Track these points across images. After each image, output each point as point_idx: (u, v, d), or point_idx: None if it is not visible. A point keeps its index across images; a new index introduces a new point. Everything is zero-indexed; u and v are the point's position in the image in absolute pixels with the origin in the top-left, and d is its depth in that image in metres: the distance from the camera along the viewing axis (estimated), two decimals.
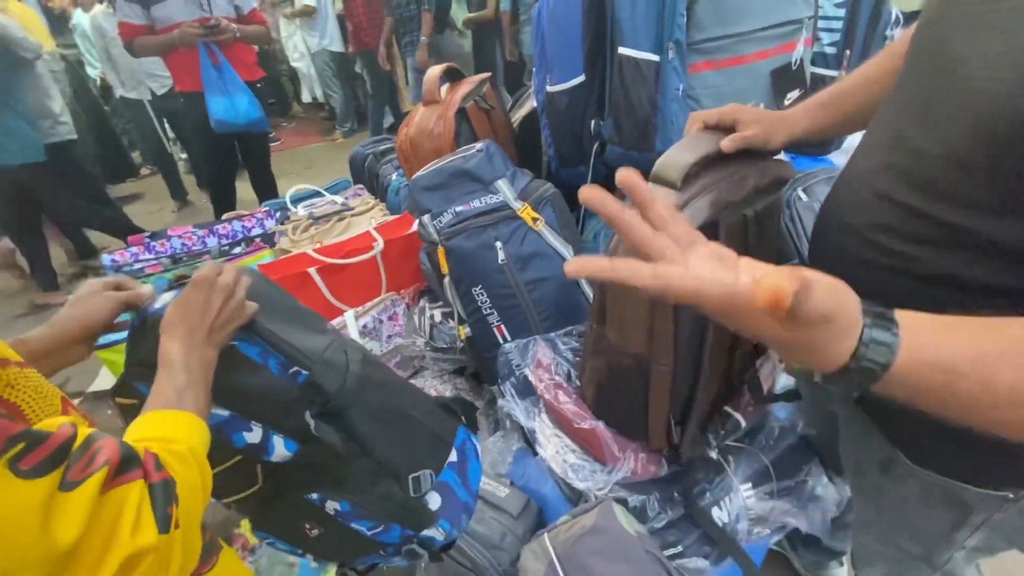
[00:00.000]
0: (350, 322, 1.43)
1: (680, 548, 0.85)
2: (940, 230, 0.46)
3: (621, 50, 0.99)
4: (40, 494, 0.35)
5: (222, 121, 2.27)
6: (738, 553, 0.84)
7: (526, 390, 1.01)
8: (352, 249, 1.50)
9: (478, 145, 1.14)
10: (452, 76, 1.35)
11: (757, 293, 0.29)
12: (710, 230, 0.65)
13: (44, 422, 0.39)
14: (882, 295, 0.37)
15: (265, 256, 1.67)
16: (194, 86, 2.27)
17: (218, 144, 2.44)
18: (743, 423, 0.90)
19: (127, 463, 0.40)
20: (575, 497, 0.93)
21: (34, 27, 3.63)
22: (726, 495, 0.87)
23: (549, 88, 1.18)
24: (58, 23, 4.31)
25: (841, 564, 1.15)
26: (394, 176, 1.96)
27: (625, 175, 0.37)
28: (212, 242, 1.76)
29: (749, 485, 0.90)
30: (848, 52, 1.22)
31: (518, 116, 1.52)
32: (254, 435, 0.57)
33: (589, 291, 1.14)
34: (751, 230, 0.68)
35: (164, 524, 0.40)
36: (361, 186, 2.13)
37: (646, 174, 0.63)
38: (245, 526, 1.14)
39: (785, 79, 1.02)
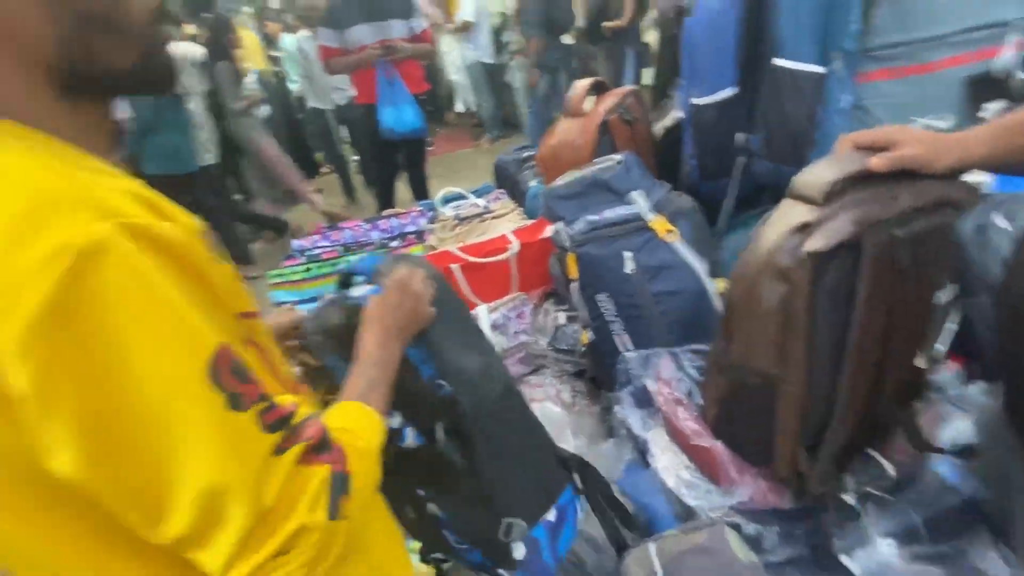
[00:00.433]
0: (483, 316, 1.55)
1: None
2: None
3: (777, 61, 0.95)
4: (267, 447, 0.40)
5: (391, 130, 2.59)
6: None
7: (644, 401, 1.02)
8: (490, 249, 1.62)
9: (617, 157, 1.17)
10: (598, 89, 1.40)
11: None
12: (852, 250, 0.61)
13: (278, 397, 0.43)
14: None
15: (416, 251, 1.88)
16: (370, 99, 2.63)
17: (384, 149, 2.79)
18: (891, 471, 0.80)
19: (322, 446, 0.43)
20: (685, 515, 0.91)
21: (253, 49, 4.48)
22: (861, 546, 0.79)
23: (696, 100, 1.17)
24: (271, 45, 5.24)
25: None
26: (533, 183, 2.06)
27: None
28: (375, 235, 2.02)
29: (892, 541, 0.80)
30: None
31: (661, 126, 1.51)
32: (395, 421, 0.63)
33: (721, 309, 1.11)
34: (902, 252, 0.62)
35: (334, 512, 0.42)
36: (503, 191, 2.27)
37: None
38: None
39: (983, 89, 0.89)
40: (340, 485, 0.43)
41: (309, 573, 0.40)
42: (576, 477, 0.75)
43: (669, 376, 0.96)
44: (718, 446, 0.82)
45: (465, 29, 5.19)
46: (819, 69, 0.92)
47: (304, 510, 0.40)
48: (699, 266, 1.09)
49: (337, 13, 2.61)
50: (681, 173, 1.37)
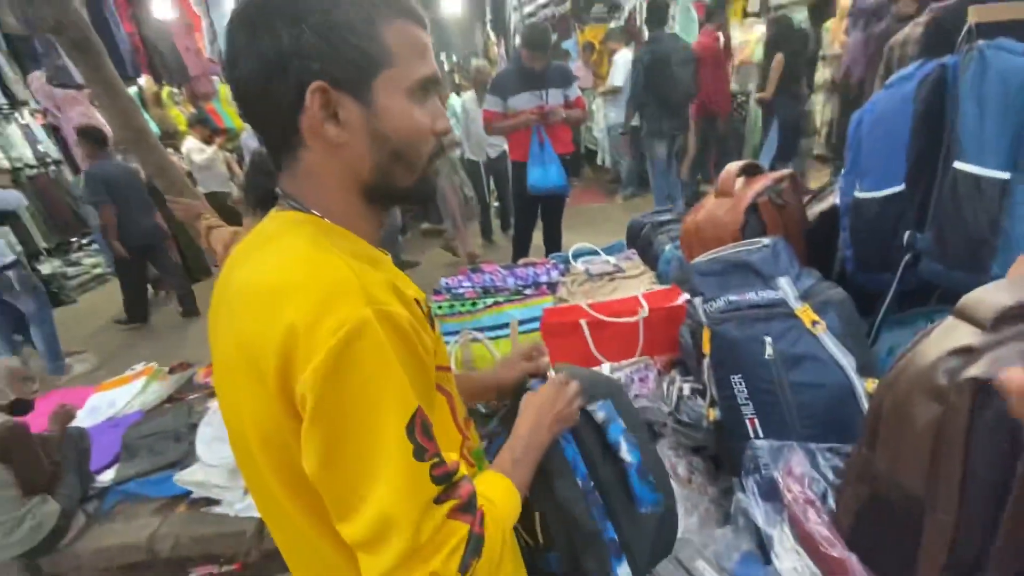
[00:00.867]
0: (606, 373, 1.60)
1: None
2: None
3: (958, 164, 0.91)
4: (431, 495, 0.50)
5: (535, 186, 2.83)
6: None
7: (770, 493, 0.98)
8: (619, 310, 1.68)
9: (765, 240, 1.18)
10: (749, 171, 1.42)
11: None
12: None
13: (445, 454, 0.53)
14: None
15: (547, 301, 2.00)
16: (522, 157, 2.90)
17: (527, 202, 3.04)
18: None
19: (469, 506, 0.52)
20: None
21: None
22: None
23: (858, 194, 1.14)
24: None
25: None
26: (668, 248, 2.09)
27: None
28: (511, 281, 2.19)
29: None
30: None
31: (816, 210, 1.48)
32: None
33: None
34: None
35: (464, 568, 0.49)
36: (634, 251, 2.33)
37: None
38: None
39: None
40: (476, 547, 0.51)
41: None
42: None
43: (801, 473, 0.92)
44: (852, 560, 0.78)
45: (613, 93, 5.45)
46: (1005, 175, 0.86)
47: (441, 559, 0.49)
48: (846, 361, 1.04)
49: (503, 82, 2.95)
50: (834, 262, 1.32)
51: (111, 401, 2.74)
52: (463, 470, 0.55)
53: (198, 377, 2.83)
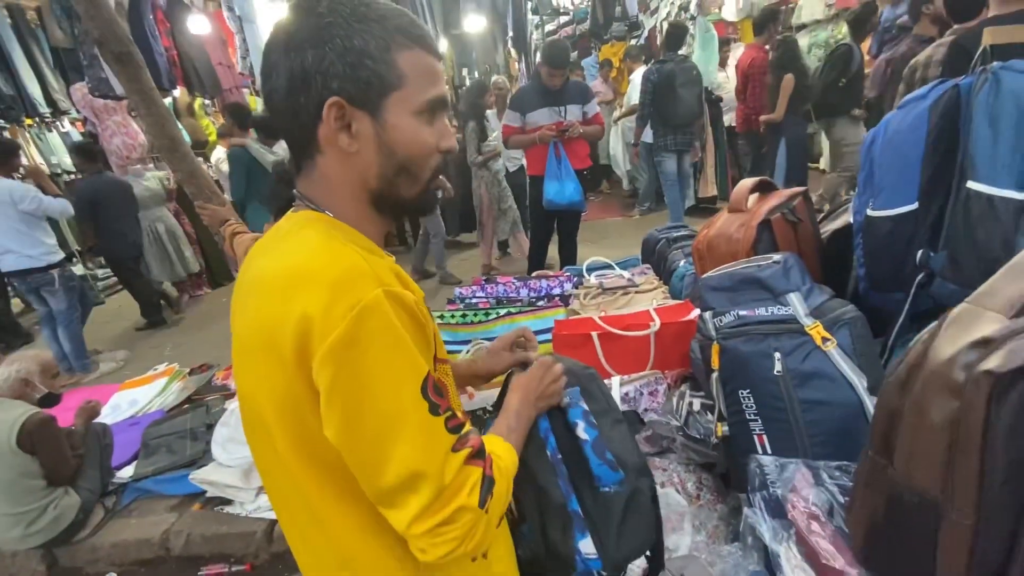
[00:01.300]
0: (615, 386, 1.60)
1: None
2: None
3: (971, 184, 0.91)
4: (449, 444, 0.57)
5: (551, 201, 2.86)
6: None
7: (778, 510, 0.97)
8: (631, 323, 1.68)
9: (776, 256, 1.18)
10: (763, 188, 1.43)
11: None
12: None
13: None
14: None
15: (559, 313, 2.02)
16: (539, 172, 2.93)
17: (544, 216, 3.06)
18: None
19: (480, 453, 0.60)
20: None
21: None
22: None
23: (871, 212, 1.14)
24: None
25: None
26: (681, 263, 2.09)
27: None
28: (524, 292, 2.22)
29: None
30: None
31: (830, 229, 1.47)
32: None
33: None
34: None
35: (482, 503, 0.57)
36: (648, 266, 2.33)
37: None
38: None
39: None
40: (488, 485, 0.59)
41: (458, 547, 0.56)
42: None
43: (806, 489, 0.92)
44: (853, 573, 0.77)
45: (630, 113, 5.49)
46: (1019, 196, 0.86)
47: (465, 495, 0.56)
48: (857, 380, 1.03)
49: (522, 98, 3.01)
50: (849, 281, 1.31)
51: (133, 400, 2.82)
52: (470, 426, 0.62)
53: (217, 378, 2.89)
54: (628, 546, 0.75)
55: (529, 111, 2.93)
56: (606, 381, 1.58)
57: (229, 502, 1.98)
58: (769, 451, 1.07)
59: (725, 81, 5.47)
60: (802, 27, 5.98)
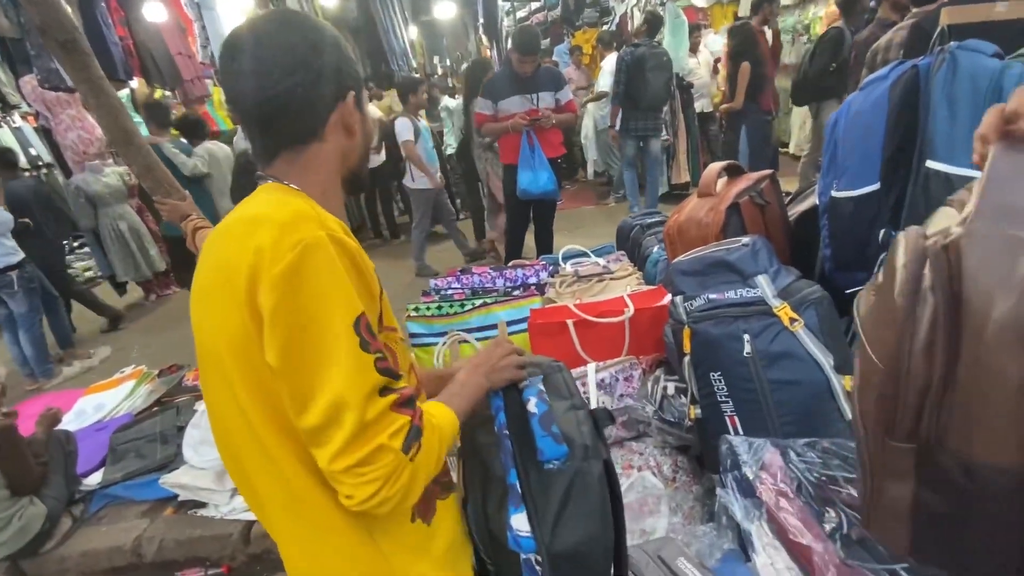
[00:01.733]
0: (591, 373, 1.60)
1: None
2: None
3: (930, 164, 0.93)
4: (376, 383, 0.59)
5: (525, 191, 2.83)
6: None
7: (749, 489, 0.99)
8: (606, 310, 1.69)
9: (744, 239, 1.19)
10: (731, 172, 1.44)
11: None
12: None
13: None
14: None
15: (535, 302, 2.01)
16: (512, 160, 2.90)
17: (519, 205, 3.04)
18: None
19: (409, 403, 0.62)
20: None
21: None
22: None
23: (835, 193, 1.16)
24: (434, 107, 5.99)
25: None
26: (655, 249, 2.10)
27: None
28: (500, 282, 2.20)
29: None
30: None
31: (797, 211, 1.49)
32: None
33: (845, 406, 1.05)
34: None
35: (407, 448, 0.59)
36: (623, 252, 2.34)
37: None
38: None
39: None
40: (415, 434, 0.61)
41: (381, 488, 0.58)
42: None
43: (776, 468, 0.93)
44: (819, 548, 0.79)
45: (598, 99, 5.48)
46: (977, 174, 0.88)
47: (386, 436, 0.58)
48: (823, 359, 1.05)
49: (493, 85, 2.97)
50: (816, 262, 1.34)
51: (99, 404, 2.72)
52: (407, 384, 0.65)
53: (187, 379, 2.81)
54: (570, 535, 0.69)
55: (501, 99, 2.89)
56: (582, 368, 1.59)
57: (203, 505, 1.93)
58: (741, 432, 1.08)
59: (696, 67, 5.50)
60: None
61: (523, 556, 0.71)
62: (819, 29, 5.08)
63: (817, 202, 1.34)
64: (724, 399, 1.09)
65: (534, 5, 8.59)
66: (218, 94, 5.70)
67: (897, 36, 1.96)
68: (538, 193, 2.86)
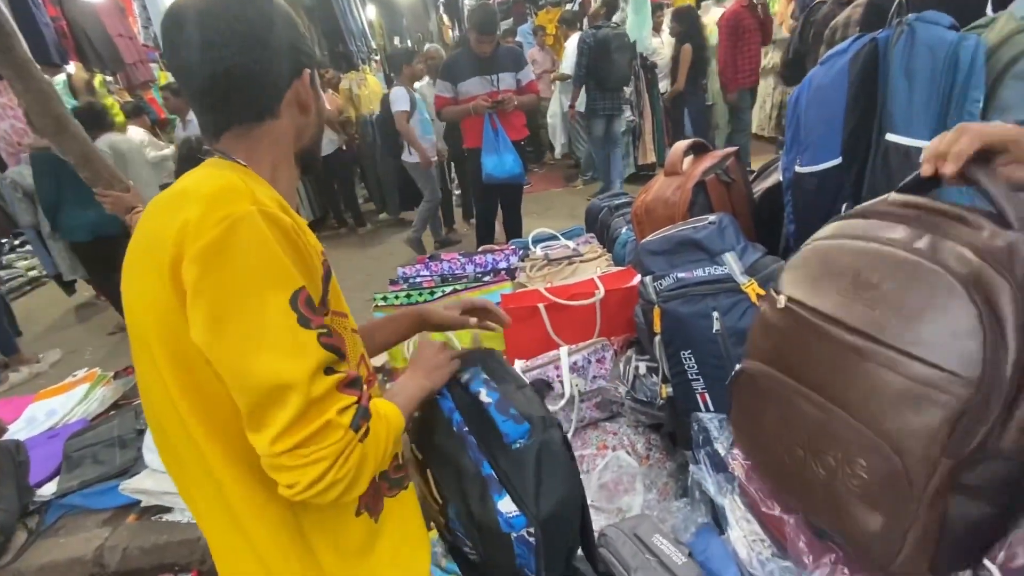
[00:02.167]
0: (563, 357, 1.60)
1: None
2: None
3: (889, 136, 0.94)
4: (321, 360, 0.56)
5: (490, 175, 2.79)
6: None
7: (721, 464, 1.00)
8: (576, 293, 1.68)
9: (711, 217, 1.19)
10: (697, 149, 1.44)
11: None
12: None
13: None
14: None
15: (506, 287, 1.99)
16: (476, 143, 2.85)
17: (486, 190, 2.99)
18: None
19: (356, 383, 0.61)
20: None
21: (376, 92, 5.20)
22: None
23: (798, 168, 1.17)
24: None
25: None
26: (623, 230, 2.11)
27: None
28: (470, 268, 2.17)
29: None
30: None
31: (761, 188, 1.51)
32: None
33: None
34: None
35: (356, 425, 0.58)
36: (592, 235, 2.34)
37: None
38: None
39: None
40: (363, 413, 0.59)
41: (328, 469, 0.55)
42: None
43: None
44: (790, 519, 0.80)
45: (563, 79, 5.44)
46: None
47: (334, 412, 0.56)
48: None
49: (453, 67, 2.88)
50: (780, 238, 1.35)
51: (51, 410, 2.57)
52: (358, 368, 0.65)
53: None
54: (551, 497, 0.74)
55: (461, 80, 2.82)
56: (554, 351, 1.59)
57: (168, 510, 1.86)
58: (712, 408, 1.10)
59: (660, 47, 5.50)
60: None
61: (515, 534, 0.73)
62: (778, 7, 5.14)
63: (781, 179, 1.35)
64: (695, 377, 1.10)
65: None
66: (165, 78, 5.39)
67: (855, 14, 1.99)
68: (504, 177, 2.82)
